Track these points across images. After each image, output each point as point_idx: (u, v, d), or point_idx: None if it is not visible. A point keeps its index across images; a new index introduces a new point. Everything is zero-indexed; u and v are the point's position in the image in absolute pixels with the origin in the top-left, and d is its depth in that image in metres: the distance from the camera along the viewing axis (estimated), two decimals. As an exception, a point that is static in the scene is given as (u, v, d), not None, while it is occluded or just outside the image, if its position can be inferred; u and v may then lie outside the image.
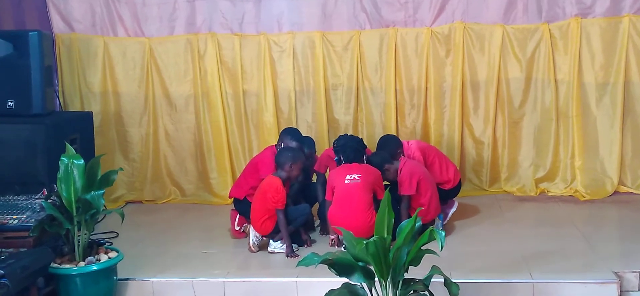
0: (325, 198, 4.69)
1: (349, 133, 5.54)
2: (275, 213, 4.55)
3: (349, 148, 4.70)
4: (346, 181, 4.53)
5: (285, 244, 4.56)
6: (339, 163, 4.80)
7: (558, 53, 5.70)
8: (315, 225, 5.07)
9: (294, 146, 4.91)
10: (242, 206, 4.93)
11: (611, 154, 5.71)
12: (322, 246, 4.65)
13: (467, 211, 5.33)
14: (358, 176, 4.52)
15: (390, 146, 4.98)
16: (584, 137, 5.72)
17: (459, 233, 4.89)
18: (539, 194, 5.81)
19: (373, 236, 4.15)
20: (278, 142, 5.12)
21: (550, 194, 5.80)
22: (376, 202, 4.49)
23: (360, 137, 5.04)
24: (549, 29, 5.66)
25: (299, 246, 4.66)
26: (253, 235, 4.62)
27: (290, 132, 5.11)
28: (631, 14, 5.57)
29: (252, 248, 4.61)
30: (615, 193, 5.70)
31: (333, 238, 4.64)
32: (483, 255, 4.44)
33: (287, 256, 4.51)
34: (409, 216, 4.43)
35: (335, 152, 4.91)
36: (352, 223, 4.29)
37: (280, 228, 4.54)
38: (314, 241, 4.79)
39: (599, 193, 5.67)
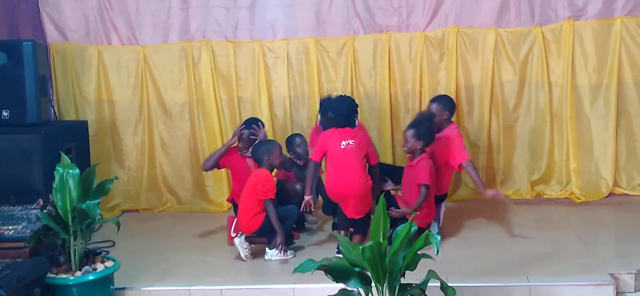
0: (312, 158, 4.65)
1: None
2: (265, 207, 4.53)
3: (340, 115, 4.64)
4: (342, 146, 4.53)
5: (281, 251, 4.54)
6: (324, 124, 4.79)
7: (551, 56, 5.72)
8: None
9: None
10: None
11: (606, 156, 5.73)
12: (318, 250, 4.64)
13: (463, 215, 5.34)
14: (352, 142, 4.53)
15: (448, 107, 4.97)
16: (579, 139, 5.74)
17: (455, 236, 4.90)
18: (535, 197, 5.83)
19: (369, 208, 4.39)
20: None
21: (545, 196, 5.82)
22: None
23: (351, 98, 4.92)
24: (542, 32, 5.69)
25: (290, 244, 4.66)
26: (242, 248, 4.59)
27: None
28: (623, 16, 5.60)
29: (245, 260, 4.60)
30: (610, 194, 5.71)
31: (307, 200, 4.58)
32: (479, 258, 4.45)
33: (280, 250, 4.49)
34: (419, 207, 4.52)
35: (321, 111, 4.94)
36: (351, 188, 4.46)
37: (271, 218, 4.52)
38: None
39: (594, 194, 5.69)
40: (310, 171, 4.63)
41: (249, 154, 4.98)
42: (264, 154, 4.67)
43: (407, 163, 4.86)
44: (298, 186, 4.99)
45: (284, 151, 5.10)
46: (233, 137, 5.12)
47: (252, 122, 5.11)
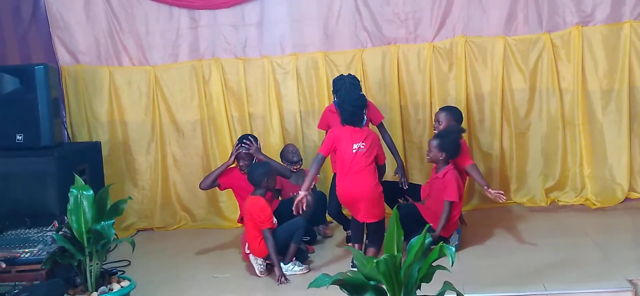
0: (320, 151, 4.59)
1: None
2: (263, 237, 4.52)
3: (347, 112, 4.61)
4: (354, 150, 4.50)
5: (279, 281, 4.46)
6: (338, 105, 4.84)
7: (561, 62, 5.70)
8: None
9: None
10: None
11: (620, 161, 5.68)
12: (333, 264, 4.63)
13: (478, 224, 5.31)
14: (363, 145, 4.51)
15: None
16: (592, 145, 5.70)
17: (471, 246, 4.87)
18: (550, 204, 5.78)
19: (381, 213, 4.46)
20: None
21: (560, 203, 5.77)
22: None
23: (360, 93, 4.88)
24: (551, 39, 5.67)
25: (303, 261, 4.66)
26: (256, 264, 4.60)
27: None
28: (632, 20, 5.57)
29: (260, 275, 4.60)
30: (626, 199, 5.66)
31: (301, 197, 4.45)
32: (495, 268, 4.42)
33: (278, 281, 4.42)
34: (447, 223, 4.60)
35: (333, 91, 5.07)
36: (362, 192, 4.46)
37: (268, 248, 4.49)
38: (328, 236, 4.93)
39: (610, 200, 5.64)
40: (314, 163, 4.54)
41: None
42: (262, 177, 4.63)
43: (431, 173, 4.91)
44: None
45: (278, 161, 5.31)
46: (230, 157, 5.13)
47: (244, 139, 5.15)
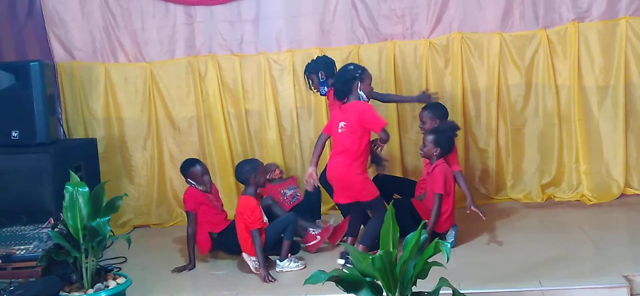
0: (324, 131, 4.67)
1: None
2: (252, 237, 4.52)
3: (334, 87, 4.62)
4: (339, 130, 4.50)
5: (291, 262, 4.55)
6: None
7: (557, 58, 5.71)
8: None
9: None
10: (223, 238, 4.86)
11: (616, 157, 5.70)
12: (329, 260, 4.63)
13: (473, 221, 5.30)
14: (344, 125, 4.47)
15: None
16: (588, 141, 5.71)
17: (467, 242, 4.88)
18: (546, 200, 5.79)
19: (358, 197, 4.43)
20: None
21: (556, 199, 5.78)
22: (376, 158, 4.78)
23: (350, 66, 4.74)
24: (547, 35, 5.67)
25: (295, 253, 4.69)
26: (250, 262, 4.59)
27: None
28: (628, 16, 5.58)
29: (256, 272, 4.60)
30: (622, 195, 5.67)
31: (310, 172, 4.55)
32: (491, 264, 4.43)
33: (263, 280, 4.40)
34: (439, 218, 4.61)
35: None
36: (333, 173, 4.51)
37: (255, 248, 4.48)
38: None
39: (606, 196, 5.65)
40: (317, 143, 4.64)
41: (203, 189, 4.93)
42: (249, 174, 4.60)
43: (424, 170, 4.94)
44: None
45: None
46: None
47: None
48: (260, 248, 4.48)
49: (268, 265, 4.59)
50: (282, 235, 4.58)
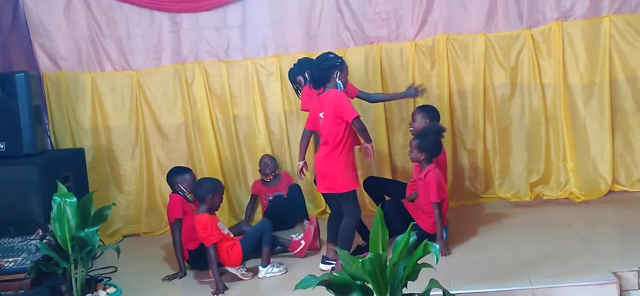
0: (306, 126, 4.66)
1: None
2: (237, 242, 4.51)
3: (311, 76, 4.62)
4: (320, 120, 4.50)
5: (274, 267, 4.58)
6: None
7: (542, 57, 5.74)
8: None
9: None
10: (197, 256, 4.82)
11: (603, 154, 5.73)
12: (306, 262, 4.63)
13: (463, 221, 5.33)
14: (323, 115, 4.47)
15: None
16: (575, 139, 5.74)
17: (456, 243, 4.89)
18: (534, 198, 5.82)
19: (335, 187, 4.42)
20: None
21: (545, 197, 5.81)
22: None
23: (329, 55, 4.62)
24: (531, 34, 5.70)
25: (275, 247, 4.76)
26: (236, 272, 4.57)
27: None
28: (611, 14, 5.62)
29: (244, 278, 4.58)
30: (610, 192, 5.70)
31: (300, 165, 4.62)
32: (481, 263, 4.44)
33: (216, 292, 4.35)
34: (441, 223, 4.63)
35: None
36: (317, 162, 4.52)
37: (209, 264, 4.42)
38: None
39: (594, 193, 5.68)
40: (302, 138, 4.67)
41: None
42: (207, 193, 4.53)
43: (414, 172, 4.96)
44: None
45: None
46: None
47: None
48: (213, 262, 4.42)
49: (251, 273, 4.61)
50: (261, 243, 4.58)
